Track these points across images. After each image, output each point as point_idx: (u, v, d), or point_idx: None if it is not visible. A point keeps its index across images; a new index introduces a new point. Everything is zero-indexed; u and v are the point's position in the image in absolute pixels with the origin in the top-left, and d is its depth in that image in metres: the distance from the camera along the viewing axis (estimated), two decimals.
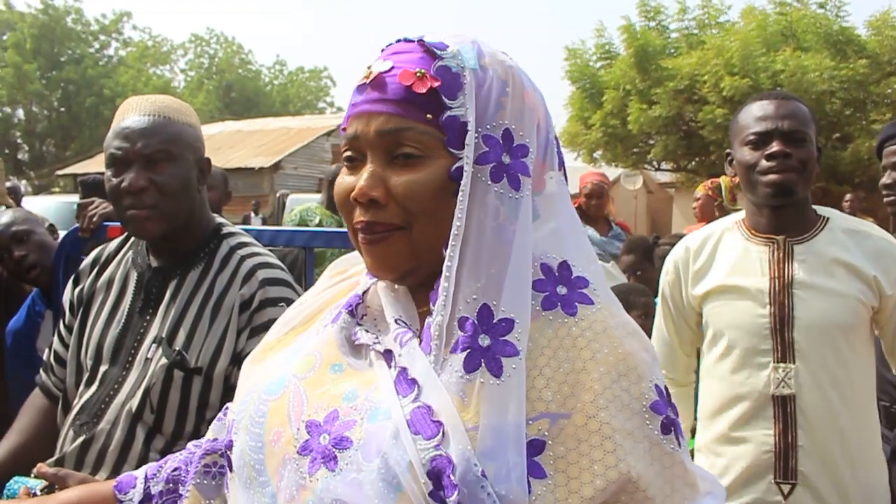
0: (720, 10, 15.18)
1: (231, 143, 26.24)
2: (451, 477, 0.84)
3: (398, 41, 1.01)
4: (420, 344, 0.94)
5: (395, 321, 0.98)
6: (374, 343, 0.99)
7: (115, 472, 1.63)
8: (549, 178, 1.03)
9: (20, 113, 40.29)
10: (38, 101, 40.07)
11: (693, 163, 15.66)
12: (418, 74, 0.95)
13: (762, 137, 1.96)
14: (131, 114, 1.76)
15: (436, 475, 0.85)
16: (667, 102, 13.74)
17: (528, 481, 0.87)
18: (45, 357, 1.98)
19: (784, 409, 1.91)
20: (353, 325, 1.03)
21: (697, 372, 2.21)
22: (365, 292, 1.06)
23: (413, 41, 0.99)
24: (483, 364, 0.90)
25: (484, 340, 0.91)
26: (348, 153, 1.00)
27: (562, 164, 1.06)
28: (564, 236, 1.01)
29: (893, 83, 13.30)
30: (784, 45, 13.33)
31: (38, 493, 1.43)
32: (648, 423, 0.92)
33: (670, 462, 0.93)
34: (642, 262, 4.25)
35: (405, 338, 0.95)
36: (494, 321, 0.91)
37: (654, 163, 16.14)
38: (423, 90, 0.94)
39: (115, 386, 1.71)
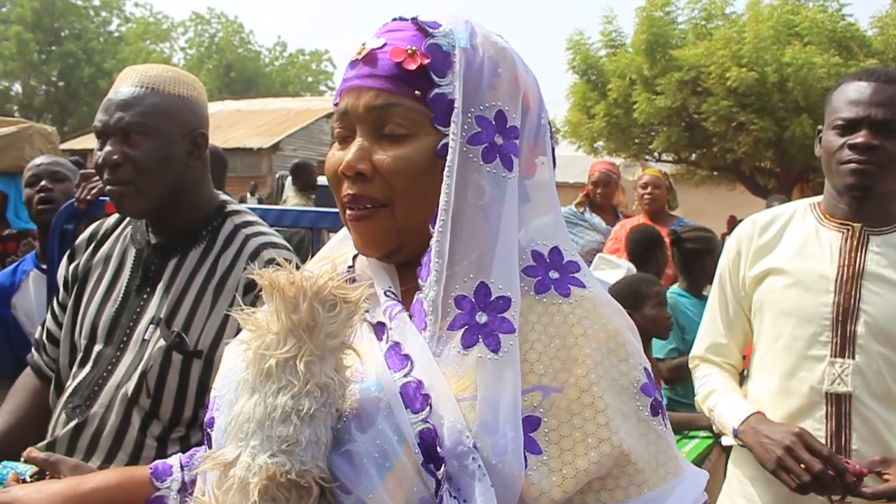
0: (726, 1, 15.10)
1: (230, 123, 26.00)
2: (440, 449, 0.86)
3: (394, 20, 1.02)
4: (411, 319, 0.95)
5: (385, 293, 0.99)
6: (365, 313, 0.99)
7: (109, 458, 1.56)
8: (539, 162, 1.04)
9: (17, 87, 39.96)
10: (37, 76, 39.74)
11: (694, 155, 15.59)
12: (409, 51, 0.96)
13: (850, 123, 1.77)
14: (121, 84, 1.68)
15: (426, 447, 0.86)
16: (672, 93, 13.64)
17: (525, 456, 0.88)
18: (37, 335, 1.90)
19: (837, 408, 1.75)
20: None
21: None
22: (354, 264, 1.08)
23: (407, 20, 1.00)
24: (481, 340, 0.91)
25: (481, 317, 0.92)
26: (339, 129, 1.01)
27: (552, 150, 1.06)
28: (555, 223, 1.03)
29: None
30: (794, 39, 13.23)
31: (28, 479, 1.36)
32: (638, 402, 0.95)
33: (657, 439, 0.96)
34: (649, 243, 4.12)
35: (394, 311, 0.96)
36: (492, 299, 0.93)
37: (656, 154, 16.03)
38: (413, 67, 0.95)
39: (109, 367, 1.63)
